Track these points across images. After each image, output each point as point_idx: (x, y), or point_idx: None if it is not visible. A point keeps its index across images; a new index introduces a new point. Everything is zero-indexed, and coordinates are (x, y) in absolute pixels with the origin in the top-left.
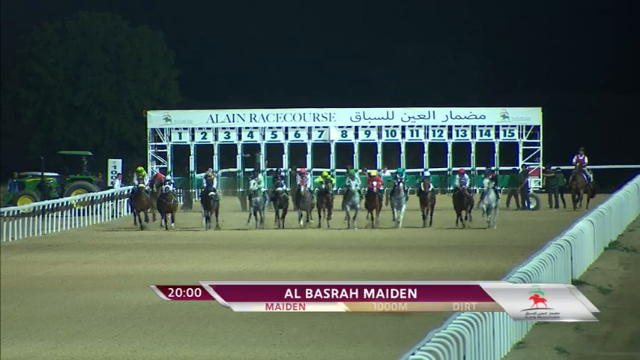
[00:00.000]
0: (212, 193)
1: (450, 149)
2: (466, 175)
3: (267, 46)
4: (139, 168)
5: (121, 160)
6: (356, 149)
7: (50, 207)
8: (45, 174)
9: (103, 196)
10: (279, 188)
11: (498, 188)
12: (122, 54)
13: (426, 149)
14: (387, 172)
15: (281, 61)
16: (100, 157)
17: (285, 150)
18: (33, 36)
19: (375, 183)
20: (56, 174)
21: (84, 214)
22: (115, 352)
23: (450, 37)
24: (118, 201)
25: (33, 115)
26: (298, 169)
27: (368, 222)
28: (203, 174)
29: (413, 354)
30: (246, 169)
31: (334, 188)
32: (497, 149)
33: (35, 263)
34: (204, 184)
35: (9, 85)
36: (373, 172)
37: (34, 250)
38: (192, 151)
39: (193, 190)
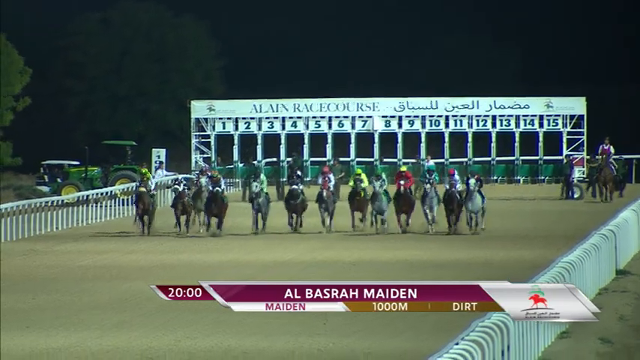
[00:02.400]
0: (219, 191)
1: (493, 139)
2: (457, 176)
3: (309, 35)
4: (143, 170)
5: (164, 149)
6: (399, 139)
7: (94, 197)
8: (69, 163)
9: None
10: (294, 187)
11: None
12: (166, 44)
13: (470, 139)
14: (431, 162)
15: (322, 51)
16: (144, 147)
17: (329, 140)
18: (76, 26)
19: (402, 182)
20: (77, 162)
21: (128, 204)
22: (159, 341)
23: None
24: (162, 191)
25: (77, 106)
26: (324, 168)
27: (398, 226)
28: (204, 176)
29: (457, 344)
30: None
31: (363, 185)
32: (541, 139)
33: (79, 253)
34: (209, 186)
35: (53, 75)
36: (403, 168)
37: (79, 239)
38: (235, 141)
39: (237, 180)
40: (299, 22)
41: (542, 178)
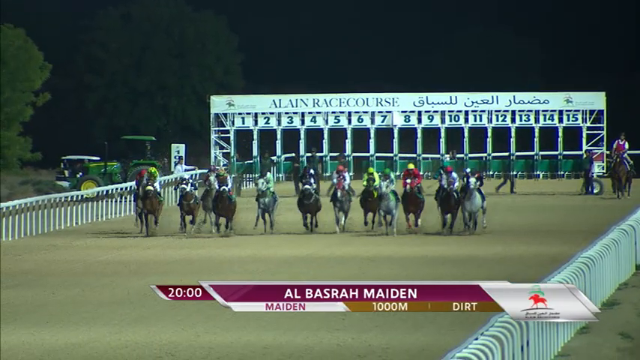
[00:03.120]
0: (225, 188)
1: (513, 134)
2: (454, 174)
3: (328, 30)
4: (152, 169)
5: (184, 145)
6: (419, 134)
7: (113, 192)
8: (88, 158)
9: (166, 182)
10: (307, 187)
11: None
12: (186, 39)
13: (489, 134)
14: (455, 158)
15: (343, 46)
16: (164, 142)
17: (348, 135)
18: (97, 21)
19: (409, 180)
20: (97, 158)
21: None
22: (178, 336)
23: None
24: (168, 189)
25: (97, 101)
26: (338, 167)
27: (405, 225)
28: (213, 174)
29: (476, 339)
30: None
31: (375, 184)
32: (560, 134)
33: (99, 248)
34: (216, 185)
35: (73, 70)
36: (411, 166)
37: (98, 234)
38: (255, 136)
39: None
40: (320, 17)
41: (562, 173)
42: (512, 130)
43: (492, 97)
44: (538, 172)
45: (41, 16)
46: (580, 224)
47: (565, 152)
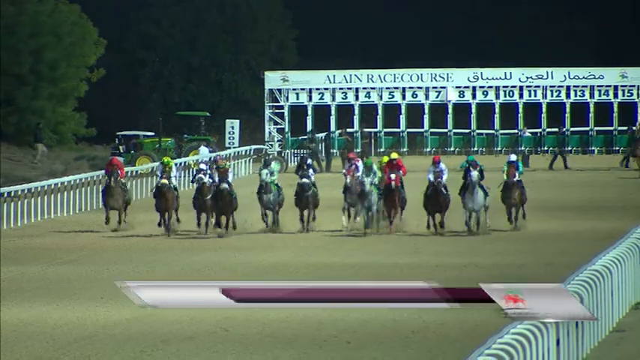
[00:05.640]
0: (226, 186)
1: (567, 109)
2: (442, 165)
3: (383, 6)
4: (165, 159)
5: (238, 120)
6: (473, 110)
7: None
8: (143, 134)
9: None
10: (305, 180)
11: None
12: (239, 15)
13: (544, 109)
14: (527, 133)
15: (397, 21)
16: (218, 117)
17: (403, 110)
18: None
19: (393, 176)
20: (152, 134)
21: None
22: (232, 312)
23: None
24: (237, 161)
25: (151, 77)
26: (349, 154)
27: (385, 224)
28: (202, 166)
29: None
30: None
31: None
32: (615, 109)
33: (153, 224)
34: (216, 178)
35: (127, 46)
36: (394, 155)
37: (152, 210)
38: (309, 112)
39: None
40: None
41: (617, 148)
42: (567, 106)
43: (547, 72)
44: (593, 148)
45: None
46: (635, 199)
47: (620, 128)
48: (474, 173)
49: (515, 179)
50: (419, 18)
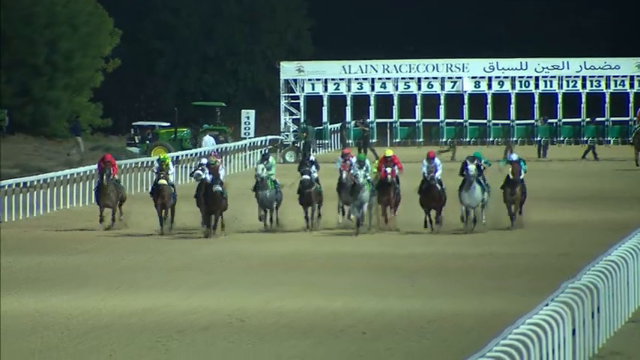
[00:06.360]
0: (218, 188)
1: (583, 100)
2: (437, 160)
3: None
4: (163, 155)
5: (253, 111)
6: (489, 100)
7: (183, 158)
8: (159, 124)
9: (236, 147)
10: (305, 177)
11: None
12: (256, 5)
13: (560, 100)
14: (544, 123)
15: (412, 12)
16: (234, 108)
17: (418, 101)
18: None
19: (389, 169)
20: (167, 124)
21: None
22: (248, 302)
23: None
24: (250, 152)
25: (166, 67)
26: (344, 149)
27: (381, 220)
28: (204, 161)
29: (547, 305)
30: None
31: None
32: (631, 100)
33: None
34: (207, 177)
35: (143, 36)
36: (389, 152)
37: None
38: (324, 102)
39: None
40: None
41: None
42: (583, 96)
43: (563, 62)
44: (609, 138)
45: None
46: None
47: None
48: (471, 167)
49: (520, 177)
50: (425, 13)
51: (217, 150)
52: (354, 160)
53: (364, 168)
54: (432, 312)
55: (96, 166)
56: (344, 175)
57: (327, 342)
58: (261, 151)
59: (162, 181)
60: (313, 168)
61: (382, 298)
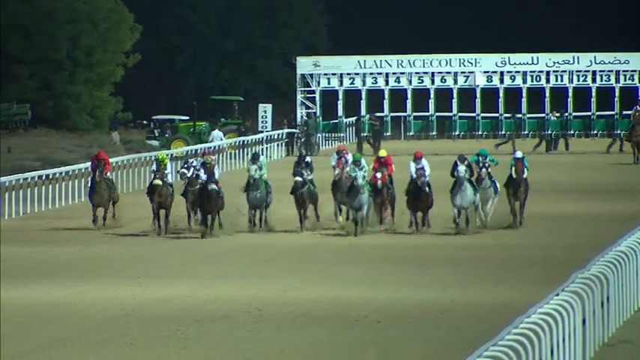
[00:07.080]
0: (213, 187)
1: (593, 94)
2: (424, 161)
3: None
4: (160, 156)
5: (270, 105)
6: (501, 94)
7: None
8: (179, 118)
9: (254, 140)
10: (298, 178)
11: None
12: (274, 1)
13: (570, 94)
14: (554, 117)
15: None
16: (251, 102)
17: (431, 95)
18: None
19: (379, 175)
20: (186, 118)
21: (236, 158)
22: (265, 292)
23: None
24: (269, 145)
25: (185, 61)
26: (339, 146)
27: (375, 219)
28: (199, 160)
29: (557, 295)
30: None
31: (362, 174)
32: None
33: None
34: (203, 176)
35: (162, 31)
36: (383, 153)
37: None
38: (340, 97)
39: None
40: None
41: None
42: (593, 91)
43: (573, 57)
44: (618, 132)
45: None
46: None
47: None
48: (461, 168)
49: (523, 176)
50: (427, 12)
51: (212, 148)
52: (349, 157)
53: (362, 169)
54: (445, 301)
55: (116, 158)
56: (337, 172)
57: (342, 330)
58: (252, 153)
59: (157, 181)
60: (308, 170)
61: (397, 288)
